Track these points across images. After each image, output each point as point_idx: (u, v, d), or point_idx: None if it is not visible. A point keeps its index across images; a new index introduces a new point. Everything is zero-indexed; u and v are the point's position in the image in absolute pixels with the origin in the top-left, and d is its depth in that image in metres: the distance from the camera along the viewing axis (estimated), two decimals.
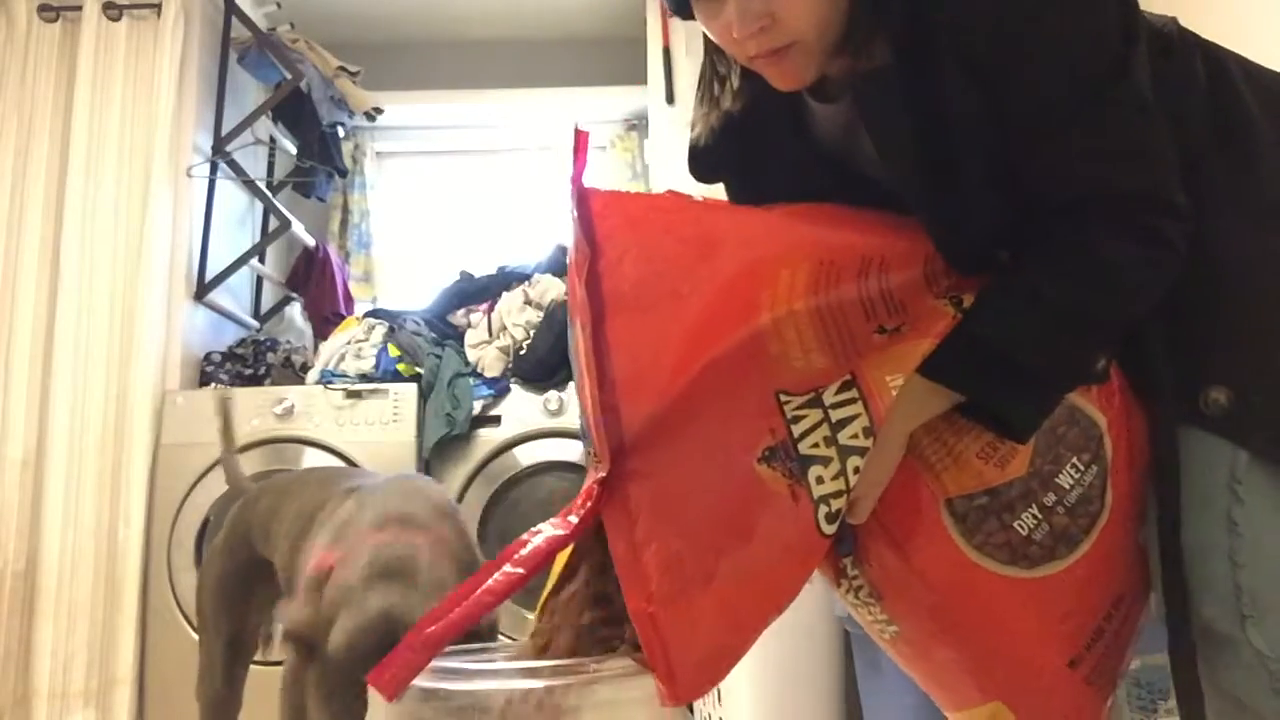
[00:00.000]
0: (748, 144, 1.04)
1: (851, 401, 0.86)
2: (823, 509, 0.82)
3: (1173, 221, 0.86)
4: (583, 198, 0.85)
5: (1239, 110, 0.95)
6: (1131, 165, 0.87)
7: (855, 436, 0.84)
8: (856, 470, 0.83)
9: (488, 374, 3.02)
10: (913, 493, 0.90)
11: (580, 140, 0.84)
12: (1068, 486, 0.90)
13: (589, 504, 0.83)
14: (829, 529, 0.82)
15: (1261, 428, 0.89)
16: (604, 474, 0.81)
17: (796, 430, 0.84)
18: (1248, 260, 0.91)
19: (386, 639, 1.16)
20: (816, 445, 0.84)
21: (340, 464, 2.85)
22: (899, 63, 0.89)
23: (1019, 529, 0.89)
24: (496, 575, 0.87)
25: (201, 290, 3.20)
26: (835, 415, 0.85)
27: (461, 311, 3.26)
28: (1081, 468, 0.91)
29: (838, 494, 0.83)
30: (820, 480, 0.83)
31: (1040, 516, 0.89)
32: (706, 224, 0.92)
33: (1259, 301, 0.91)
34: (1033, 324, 0.88)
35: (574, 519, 0.85)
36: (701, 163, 1.09)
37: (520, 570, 0.86)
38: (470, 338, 3.14)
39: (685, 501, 0.82)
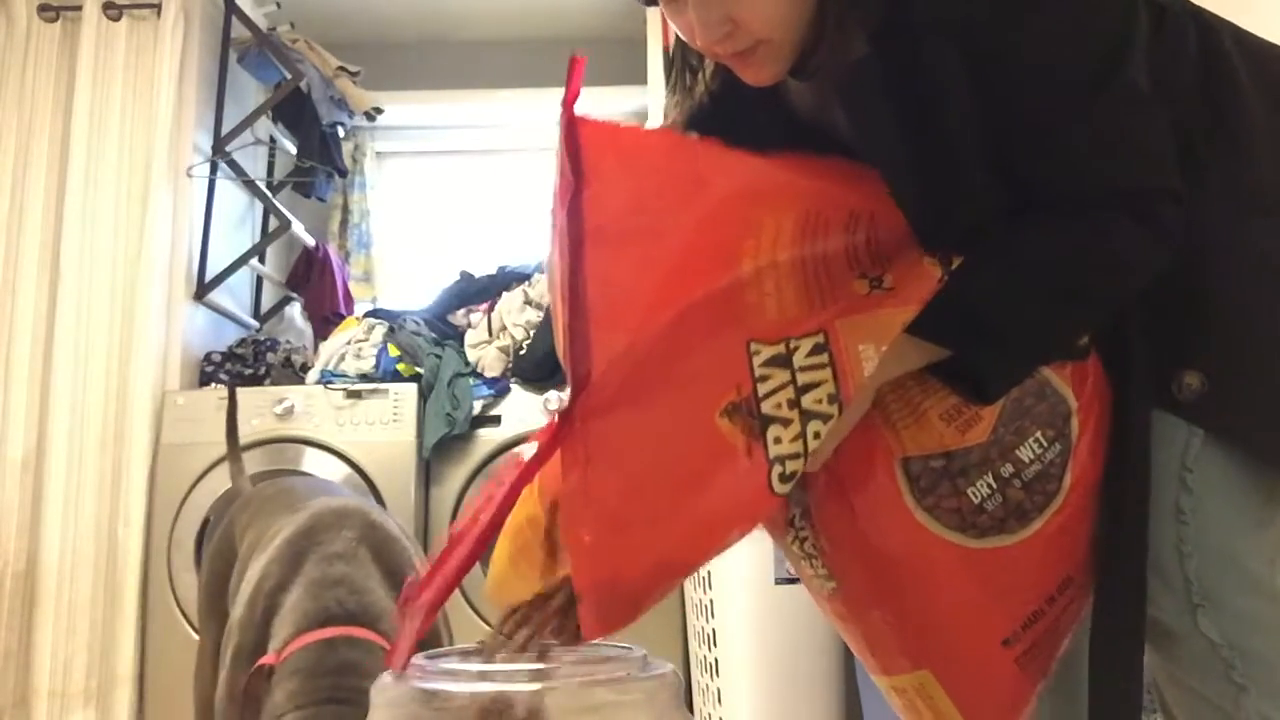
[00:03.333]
0: (723, 129, 1.03)
1: (821, 366, 0.85)
2: (776, 469, 0.81)
3: (1171, 207, 0.86)
4: (571, 125, 0.84)
5: (1229, 87, 0.93)
6: (1131, 161, 0.86)
7: (819, 402, 0.83)
8: (816, 435, 0.82)
9: (488, 374, 3.03)
10: (869, 446, 0.89)
11: (575, 67, 0.83)
12: (1027, 460, 0.89)
13: (548, 437, 0.82)
14: (781, 489, 0.81)
15: (1230, 412, 0.88)
16: (566, 406, 0.80)
17: (762, 389, 0.83)
18: (1228, 244, 0.90)
19: None
20: (779, 406, 0.83)
21: (339, 465, 2.85)
22: (879, 53, 0.88)
23: (971, 496, 0.88)
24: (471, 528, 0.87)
25: (201, 290, 3.20)
26: (802, 379, 0.84)
27: (461, 311, 3.26)
28: (1045, 444, 0.89)
29: (794, 456, 0.82)
30: (778, 440, 0.81)
31: (995, 487, 0.88)
32: (698, 164, 0.90)
33: (1237, 286, 0.90)
34: (1026, 293, 0.87)
35: (532, 449, 0.84)
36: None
37: (491, 516, 0.86)
38: (470, 338, 3.14)
39: (643, 443, 0.81)
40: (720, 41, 0.87)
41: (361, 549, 1.38)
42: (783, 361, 0.84)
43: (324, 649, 1.23)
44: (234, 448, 2.13)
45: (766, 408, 0.83)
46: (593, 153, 0.84)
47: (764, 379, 0.83)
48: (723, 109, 1.03)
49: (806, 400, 0.83)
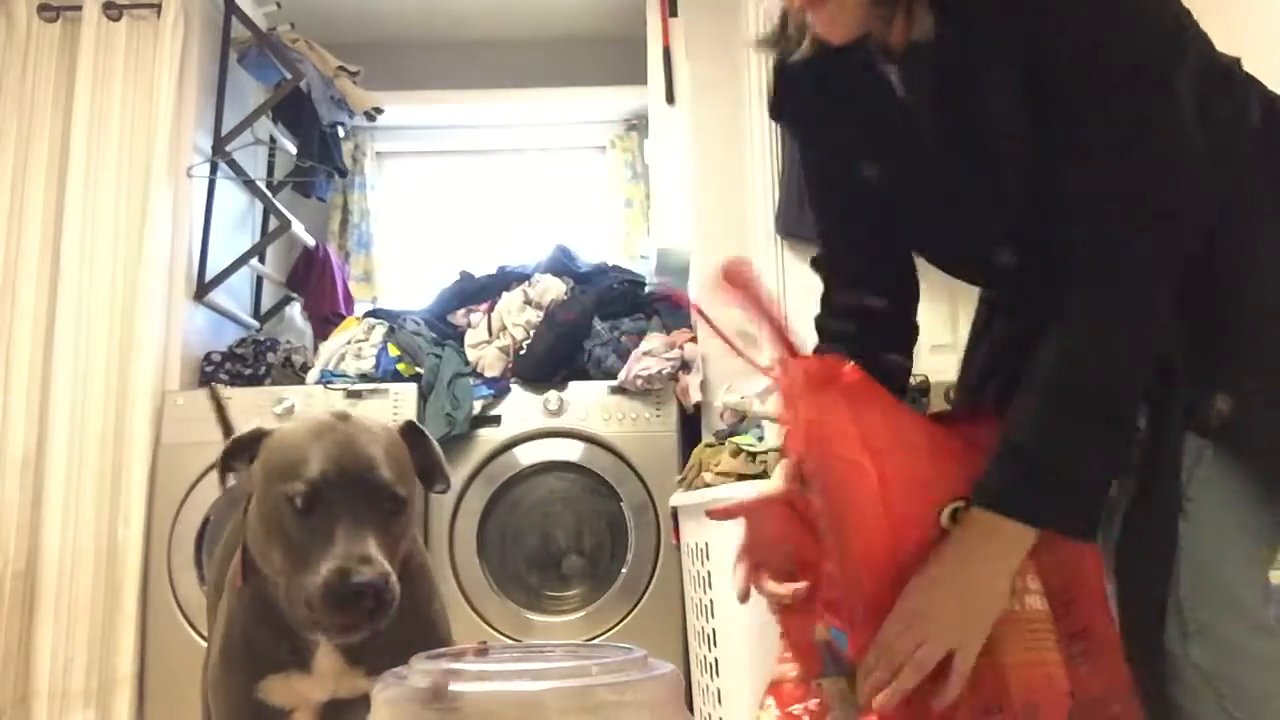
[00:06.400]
0: (821, 92, 1.08)
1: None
2: None
3: (1193, 232, 0.88)
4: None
5: None
6: (1164, 173, 0.87)
7: None
8: None
9: (488, 374, 3.03)
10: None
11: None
12: None
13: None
14: None
15: (1253, 432, 0.89)
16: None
17: None
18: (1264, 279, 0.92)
19: None
20: None
21: None
22: (940, 39, 0.92)
23: None
24: None
25: (201, 290, 3.20)
26: None
27: (461, 311, 3.27)
28: None
29: None
30: None
31: None
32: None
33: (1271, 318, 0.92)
34: (1070, 419, 0.88)
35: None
36: (779, 106, 1.16)
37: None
38: (470, 338, 3.14)
39: None
40: None
41: None
42: None
43: None
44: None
45: None
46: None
47: None
48: (823, 71, 1.05)
49: None
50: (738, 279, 1.03)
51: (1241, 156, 0.94)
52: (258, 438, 1.23)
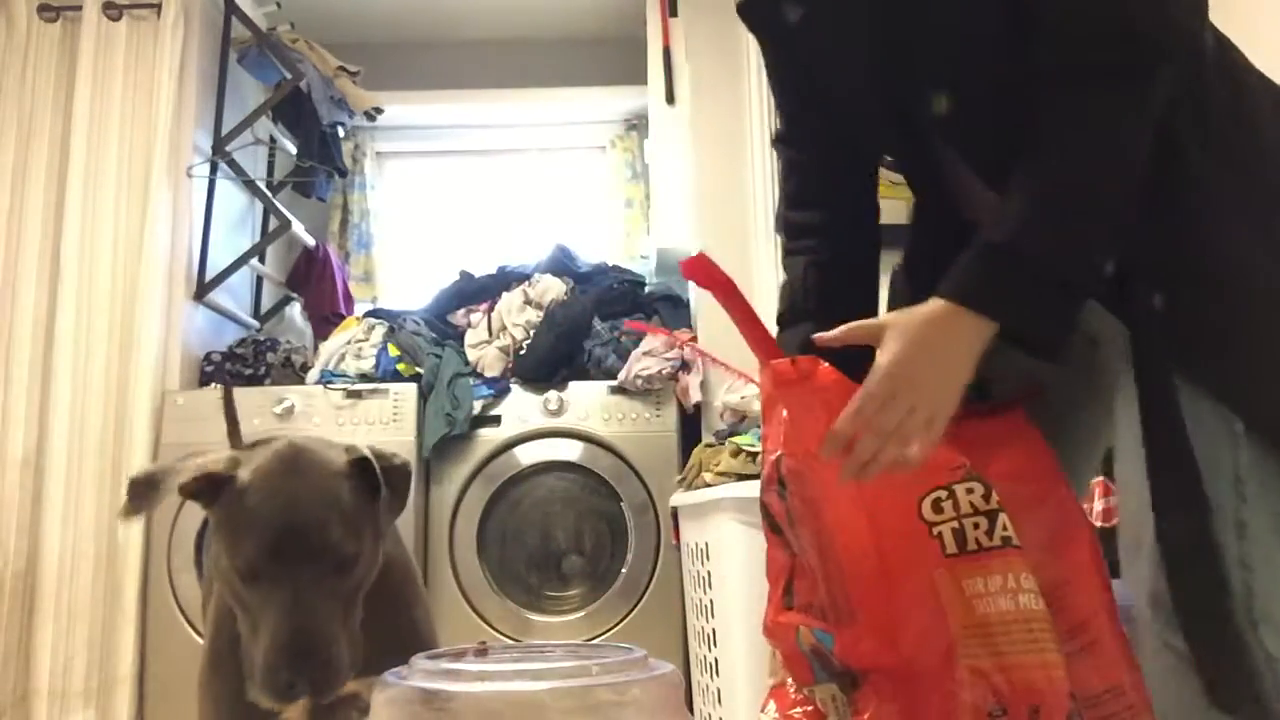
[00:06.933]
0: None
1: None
2: None
3: (1169, 65, 0.88)
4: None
5: (1247, 95, 0.96)
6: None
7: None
8: None
9: (488, 374, 3.02)
10: None
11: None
12: None
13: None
14: None
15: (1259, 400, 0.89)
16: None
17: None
18: (1236, 248, 0.92)
19: None
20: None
21: None
22: None
23: None
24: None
25: (201, 290, 3.20)
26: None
27: (461, 311, 3.26)
28: None
29: None
30: None
31: None
32: None
33: (1233, 253, 0.92)
34: (1050, 218, 0.88)
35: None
36: (747, 13, 1.19)
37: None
38: (470, 338, 3.14)
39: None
40: None
41: None
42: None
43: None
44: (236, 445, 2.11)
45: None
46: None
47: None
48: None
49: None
50: (707, 277, 1.02)
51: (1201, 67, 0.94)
52: (220, 483, 1.18)
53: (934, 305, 0.90)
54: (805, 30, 1.10)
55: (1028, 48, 0.90)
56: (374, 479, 1.20)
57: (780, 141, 1.26)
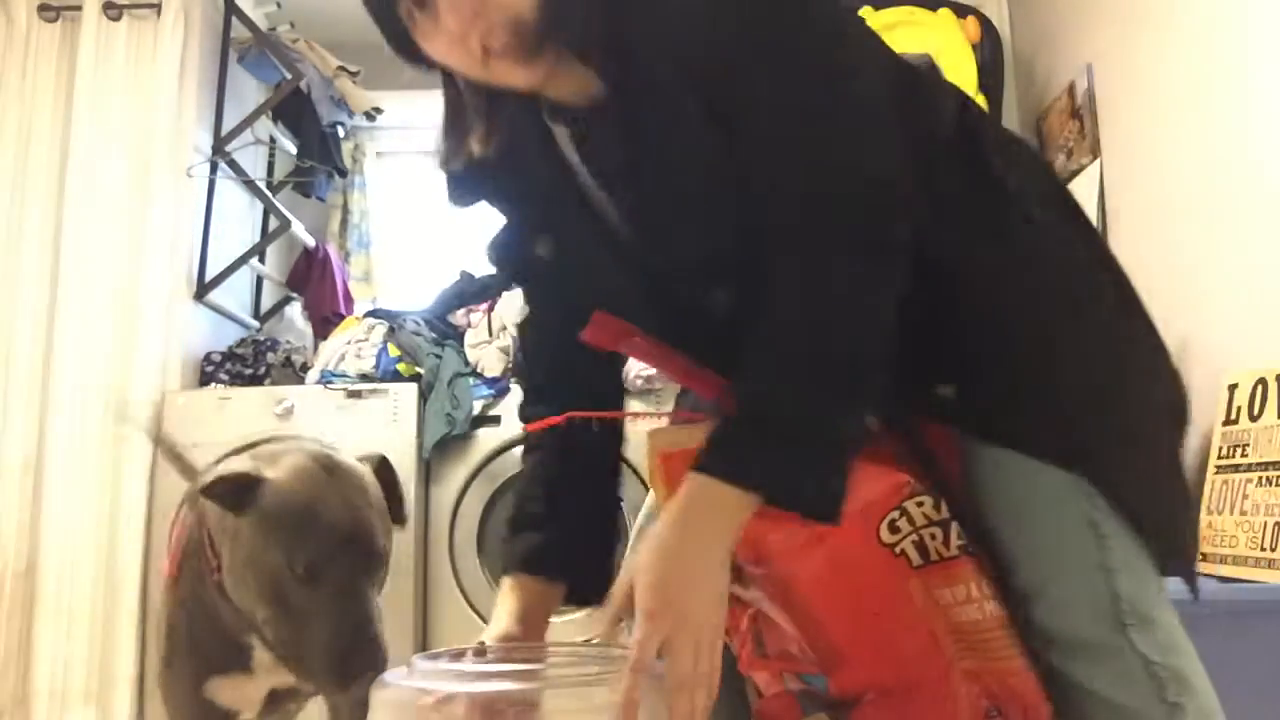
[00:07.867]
0: (503, 175, 1.09)
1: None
2: None
3: (903, 222, 0.84)
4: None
5: (984, 144, 0.95)
6: (865, 159, 0.84)
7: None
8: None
9: (488, 374, 3.03)
10: None
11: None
12: None
13: None
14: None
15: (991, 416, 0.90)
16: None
17: None
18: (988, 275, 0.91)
19: None
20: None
21: None
22: (614, 93, 0.89)
23: None
24: None
25: (201, 290, 3.20)
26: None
27: (461, 311, 3.26)
28: None
29: None
30: None
31: None
32: None
33: (993, 302, 0.91)
34: (794, 378, 0.82)
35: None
36: (457, 193, 1.16)
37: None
38: (470, 338, 3.14)
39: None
40: (473, 24, 0.87)
41: None
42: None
43: None
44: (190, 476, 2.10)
45: None
46: None
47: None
48: (504, 155, 1.05)
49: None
50: (610, 338, 0.99)
51: (938, 160, 0.92)
52: (249, 486, 1.21)
53: (690, 482, 0.82)
54: (562, 259, 1.08)
55: (754, 206, 0.85)
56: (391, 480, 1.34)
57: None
